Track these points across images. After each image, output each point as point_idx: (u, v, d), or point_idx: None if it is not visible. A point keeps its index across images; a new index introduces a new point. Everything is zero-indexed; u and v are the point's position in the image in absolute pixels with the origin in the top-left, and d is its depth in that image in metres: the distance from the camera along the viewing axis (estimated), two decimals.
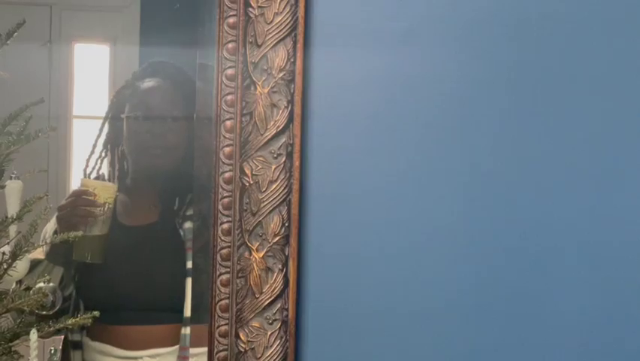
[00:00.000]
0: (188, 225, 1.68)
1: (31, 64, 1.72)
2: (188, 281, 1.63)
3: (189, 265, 1.64)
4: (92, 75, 1.91)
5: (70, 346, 1.68)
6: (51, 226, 1.70)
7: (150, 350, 1.67)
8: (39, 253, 1.66)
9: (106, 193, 1.66)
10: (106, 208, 1.66)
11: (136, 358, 1.68)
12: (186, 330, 1.63)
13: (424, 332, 1.24)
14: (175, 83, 1.73)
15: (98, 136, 1.75)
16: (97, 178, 1.72)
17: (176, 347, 1.64)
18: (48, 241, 1.51)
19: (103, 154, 1.75)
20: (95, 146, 1.75)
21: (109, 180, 1.74)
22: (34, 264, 1.65)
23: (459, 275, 1.24)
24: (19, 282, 1.49)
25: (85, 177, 1.71)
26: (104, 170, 1.74)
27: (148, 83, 1.73)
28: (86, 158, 1.74)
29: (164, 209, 1.73)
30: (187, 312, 1.63)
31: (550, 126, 1.23)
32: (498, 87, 1.23)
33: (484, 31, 1.22)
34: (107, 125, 1.75)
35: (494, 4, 1.22)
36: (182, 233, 1.69)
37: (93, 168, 1.74)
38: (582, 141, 1.23)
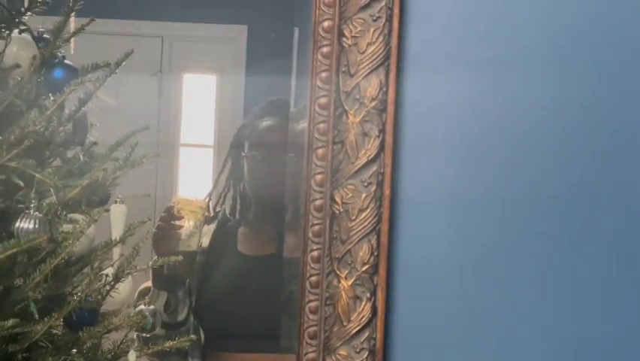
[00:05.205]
0: None
1: (141, 93, 1.79)
2: None
3: None
4: (199, 104, 1.97)
5: None
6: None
7: None
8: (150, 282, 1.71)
9: (188, 207, 1.69)
10: (191, 224, 1.69)
11: None
12: None
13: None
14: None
15: (221, 172, 1.81)
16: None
17: None
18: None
19: (226, 189, 1.80)
20: (217, 181, 1.80)
21: (230, 214, 1.78)
22: (145, 292, 1.70)
23: (557, 292, 1.21)
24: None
25: (210, 212, 1.76)
26: (227, 204, 1.80)
27: (266, 123, 1.78)
28: (207, 192, 1.79)
29: (283, 241, 1.76)
30: None
31: None
32: (595, 114, 1.20)
33: (577, 58, 1.20)
34: (229, 162, 1.81)
35: (588, 30, 1.19)
36: None
37: (217, 203, 1.80)
38: None
